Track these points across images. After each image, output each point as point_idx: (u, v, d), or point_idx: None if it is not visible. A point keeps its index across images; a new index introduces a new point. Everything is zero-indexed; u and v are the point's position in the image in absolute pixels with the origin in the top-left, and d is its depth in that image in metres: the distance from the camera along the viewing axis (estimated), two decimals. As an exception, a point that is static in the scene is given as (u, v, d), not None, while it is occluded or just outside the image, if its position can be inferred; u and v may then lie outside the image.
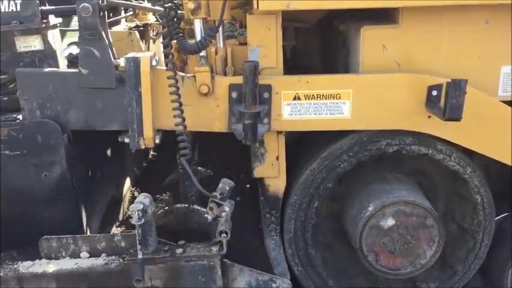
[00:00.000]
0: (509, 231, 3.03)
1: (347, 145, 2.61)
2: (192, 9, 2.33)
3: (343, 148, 2.61)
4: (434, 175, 2.89)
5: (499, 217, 3.05)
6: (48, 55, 2.51)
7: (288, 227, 2.75)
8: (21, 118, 2.52)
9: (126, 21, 3.86)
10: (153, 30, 3.96)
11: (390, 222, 2.57)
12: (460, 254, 2.95)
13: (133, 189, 3.76)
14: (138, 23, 3.84)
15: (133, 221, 1.99)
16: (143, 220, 1.99)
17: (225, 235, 2.06)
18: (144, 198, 2.06)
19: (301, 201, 2.69)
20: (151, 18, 4.07)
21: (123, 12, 3.85)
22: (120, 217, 3.44)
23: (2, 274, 2.10)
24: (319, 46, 3.22)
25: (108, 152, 3.15)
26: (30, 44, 2.48)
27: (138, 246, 2.02)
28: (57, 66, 2.56)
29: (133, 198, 3.66)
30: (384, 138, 2.61)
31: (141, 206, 1.99)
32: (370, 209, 2.54)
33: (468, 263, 2.93)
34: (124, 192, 3.55)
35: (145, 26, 3.91)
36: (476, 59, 2.49)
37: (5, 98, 2.62)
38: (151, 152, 4.36)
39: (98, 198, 2.92)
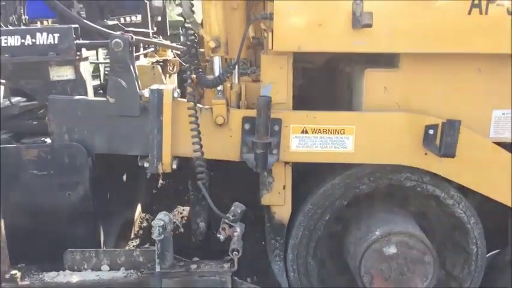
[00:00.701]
0: (500, 266, 3.19)
1: (370, 169, 2.78)
2: (213, 48, 2.57)
3: (366, 171, 2.78)
4: (434, 220, 3.04)
5: (491, 253, 3.22)
6: (78, 84, 2.74)
7: (296, 232, 2.88)
8: (47, 141, 2.73)
9: (146, 56, 4.13)
10: (171, 66, 4.23)
11: (392, 250, 2.70)
12: None
13: (143, 215, 3.94)
14: (158, 58, 4.12)
15: (154, 236, 2.17)
16: (163, 236, 2.17)
17: (236, 253, 2.24)
18: (164, 216, 2.25)
19: (315, 211, 2.84)
20: (170, 55, 4.35)
21: (141, 49, 4.12)
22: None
23: (29, 283, 2.26)
24: (325, 85, 3.45)
25: (124, 177, 3.35)
26: (63, 73, 2.71)
27: (157, 260, 2.19)
28: (86, 95, 2.78)
29: (142, 223, 3.84)
30: (405, 171, 2.78)
31: (162, 223, 2.18)
32: (377, 233, 2.69)
33: None
34: (136, 216, 3.73)
35: (165, 61, 4.18)
36: (470, 103, 2.69)
37: (34, 123, 2.83)
38: (160, 181, 4.55)
39: (114, 219, 3.09)
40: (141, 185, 3.82)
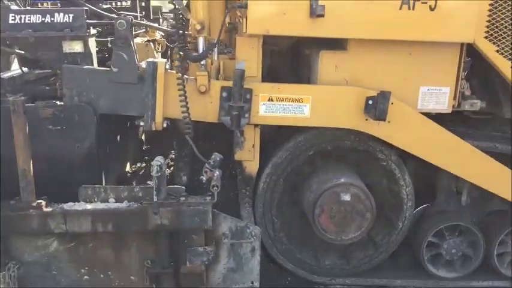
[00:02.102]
0: (428, 216, 3.89)
1: (350, 130, 3.38)
2: (198, 29, 3.18)
3: (354, 132, 3.39)
4: (380, 194, 3.65)
5: (421, 206, 3.91)
6: (87, 56, 3.27)
7: (281, 154, 3.47)
8: (58, 103, 3.27)
9: (137, 36, 4.67)
10: (158, 45, 4.81)
11: (347, 197, 3.35)
12: (358, 255, 3.80)
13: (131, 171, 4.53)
14: (148, 38, 4.68)
15: (153, 173, 2.77)
16: (159, 174, 2.78)
17: (216, 188, 2.87)
18: (161, 158, 2.86)
19: (304, 144, 3.45)
20: (157, 36, 4.92)
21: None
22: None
23: (51, 209, 2.84)
24: (289, 64, 4.06)
25: (119, 138, 3.93)
26: (74, 47, 3.24)
27: (154, 192, 2.80)
28: (93, 65, 3.34)
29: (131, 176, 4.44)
30: (380, 144, 3.44)
31: (159, 163, 2.79)
32: (341, 180, 3.36)
33: (361, 262, 3.78)
34: (127, 168, 4.33)
35: (153, 41, 4.75)
36: (402, 80, 3.35)
37: (47, 88, 3.36)
38: (144, 147, 5.13)
39: (112, 170, 3.67)
40: (130, 146, 4.41)
